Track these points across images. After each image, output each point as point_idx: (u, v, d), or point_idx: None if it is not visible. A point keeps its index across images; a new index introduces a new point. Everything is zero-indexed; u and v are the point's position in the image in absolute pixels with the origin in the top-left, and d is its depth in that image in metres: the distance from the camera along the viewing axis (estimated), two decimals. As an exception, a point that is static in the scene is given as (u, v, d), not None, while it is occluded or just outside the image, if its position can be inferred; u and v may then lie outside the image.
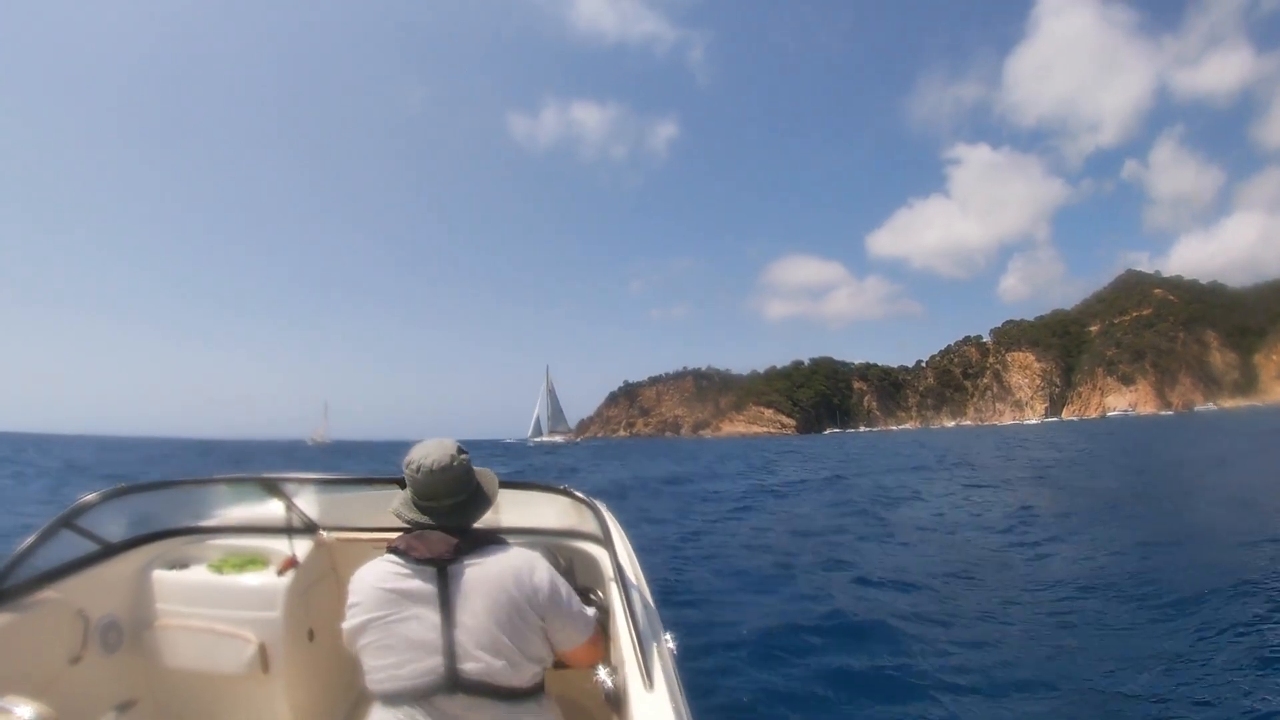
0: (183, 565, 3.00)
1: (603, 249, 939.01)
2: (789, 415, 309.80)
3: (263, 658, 2.82)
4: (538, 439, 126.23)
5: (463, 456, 1.98)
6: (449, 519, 1.95)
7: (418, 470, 1.93)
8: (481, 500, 2.05)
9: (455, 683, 1.77)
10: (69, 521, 2.62)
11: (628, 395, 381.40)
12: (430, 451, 1.96)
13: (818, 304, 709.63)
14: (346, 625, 1.90)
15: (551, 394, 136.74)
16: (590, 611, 2.09)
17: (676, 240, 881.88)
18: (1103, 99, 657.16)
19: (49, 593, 2.50)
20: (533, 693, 1.87)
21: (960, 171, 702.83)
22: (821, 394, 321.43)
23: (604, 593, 2.65)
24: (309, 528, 3.29)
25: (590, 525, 3.03)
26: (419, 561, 1.86)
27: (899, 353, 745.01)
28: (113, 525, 2.94)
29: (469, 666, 1.77)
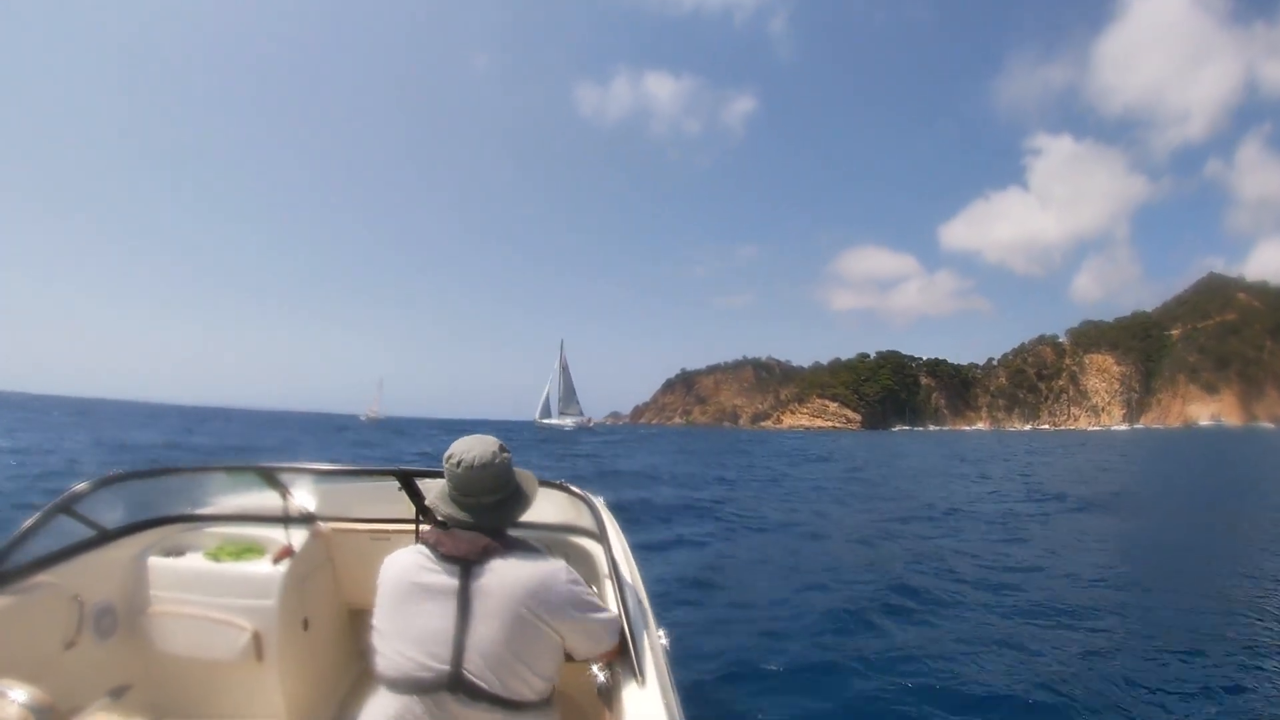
0: (179, 552, 3.01)
1: (668, 231, 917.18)
2: (854, 409, 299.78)
3: (257, 646, 2.82)
4: (546, 421, 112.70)
5: (504, 455, 1.97)
6: (486, 517, 1.94)
7: (458, 465, 1.92)
8: (520, 500, 2.03)
9: (458, 684, 1.75)
10: (66, 507, 2.62)
11: (684, 383, 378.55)
12: (472, 447, 1.95)
13: (884, 297, 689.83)
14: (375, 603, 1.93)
15: (565, 371, 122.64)
16: (612, 615, 2.06)
17: (745, 225, 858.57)
18: (1191, 88, 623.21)
19: (45, 577, 2.51)
20: (537, 705, 1.83)
21: (1041, 163, 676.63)
22: (888, 389, 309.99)
23: (599, 588, 2.64)
24: (306, 518, 3.31)
25: (586, 521, 3.04)
26: (445, 557, 1.85)
27: (964, 351, 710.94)
28: (110, 512, 2.94)
29: (474, 672, 1.75)
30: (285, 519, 3.19)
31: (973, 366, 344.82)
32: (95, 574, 2.73)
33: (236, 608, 2.85)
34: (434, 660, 1.76)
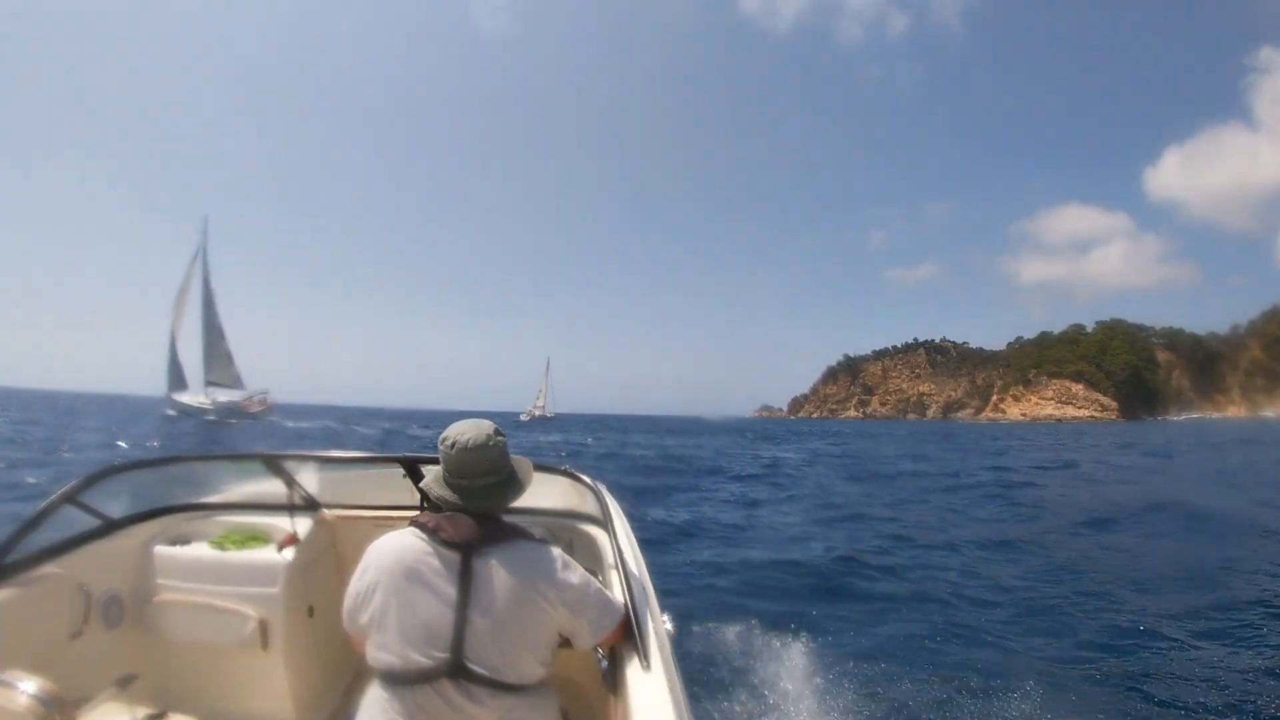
0: (185, 541, 3.06)
1: (850, 183, 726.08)
2: (1104, 393, 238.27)
3: (262, 633, 2.87)
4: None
5: (499, 438, 1.96)
6: (479, 500, 1.92)
7: (452, 446, 1.91)
8: (514, 485, 2.01)
9: (459, 671, 1.75)
10: (72, 497, 2.65)
11: (849, 370, 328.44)
12: (466, 430, 1.94)
13: (1077, 265, 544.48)
14: (353, 588, 1.90)
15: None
16: (611, 598, 2.06)
17: (945, 171, 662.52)
18: None
19: (51, 568, 2.54)
20: (535, 687, 1.86)
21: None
22: (1132, 367, 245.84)
23: (603, 574, 2.68)
24: (310, 505, 3.35)
25: (591, 507, 3.11)
26: (445, 543, 1.82)
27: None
28: (116, 501, 2.98)
29: (476, 658, 1.76)
30: (290, 507, 3.21)
31: (1213, 336, 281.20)
32: (101, 564, 2.76)
33: (242, 596, 2.88)
34: (435, 649, 1.75)
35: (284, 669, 2.90)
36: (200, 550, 2.99)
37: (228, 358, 61.73)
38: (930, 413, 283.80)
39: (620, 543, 2.57)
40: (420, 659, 1.75)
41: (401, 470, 3.01)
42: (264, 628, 2.86)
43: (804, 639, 5.76)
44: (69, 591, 2.56)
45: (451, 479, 1.93)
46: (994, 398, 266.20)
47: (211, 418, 54.22)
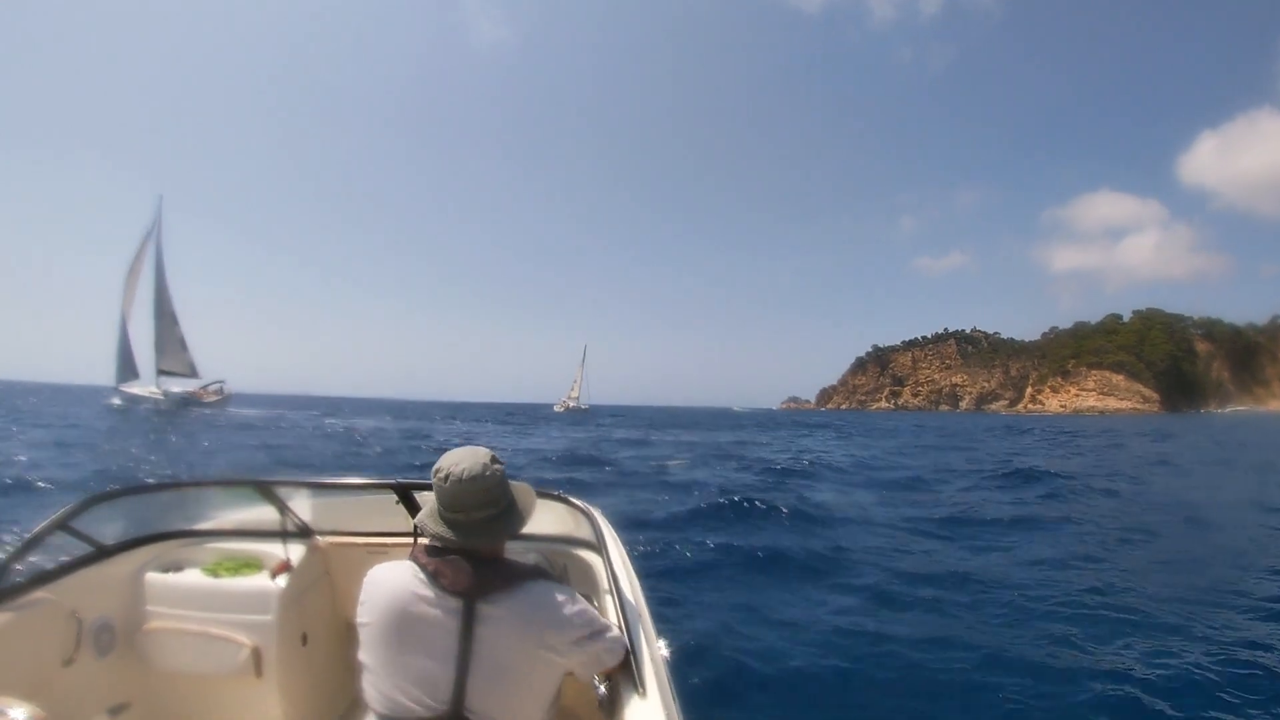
0: (177, 568, 3.02)
1: (877, 169, 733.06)
2: (1145, 384, 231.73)
3: (256, 661, 2.83)
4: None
5: (496, 467, 1.84)
6: (477, 535, 1.80)
7: (446, 479, 1.78)
8: (514, 516, 1.89)
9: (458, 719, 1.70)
10: (63, 523, 2.61)
11: (878, 361, 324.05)
12: (461, 459, 1.81)
13: (1110, 254, 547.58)
14: (358, 619, 1.85)
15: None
16: (617, 636, 1.97)
17: (976, 157, 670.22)
18: None
19: (42, 594, 2.50)
20: None
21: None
22: (1172, 358, 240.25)
23: (598, 600, 2.65)
24: (303, 531, 3.31)
25: (585, 532, 3.07)
26: (446, 590, 1.72)
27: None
28: (107, 527, 2.94)
29: (476, 709, 1.69)
30: (283, 533, 3.18)
31: (1252, 328, 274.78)
32: (93, 590, 2.72)
33: (235, 623, 2.85)
34: (432, 699, 1.68)
35: (277, 698, 2.85)
36: (193, 577, 2.94)
37: (181, 344, 57.51)
38: (963, 404, 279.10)
39: (615, 568, 2.54)
40: (416, 709, 1.68)
41: (395, 496, 2.96)
42: (257, 656, 2.81)
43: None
44: (60, 618, 2.51)
45: (446, 513, 1.80)
46: (1029, 389, 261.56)
47: (165, 408, 49.46)
